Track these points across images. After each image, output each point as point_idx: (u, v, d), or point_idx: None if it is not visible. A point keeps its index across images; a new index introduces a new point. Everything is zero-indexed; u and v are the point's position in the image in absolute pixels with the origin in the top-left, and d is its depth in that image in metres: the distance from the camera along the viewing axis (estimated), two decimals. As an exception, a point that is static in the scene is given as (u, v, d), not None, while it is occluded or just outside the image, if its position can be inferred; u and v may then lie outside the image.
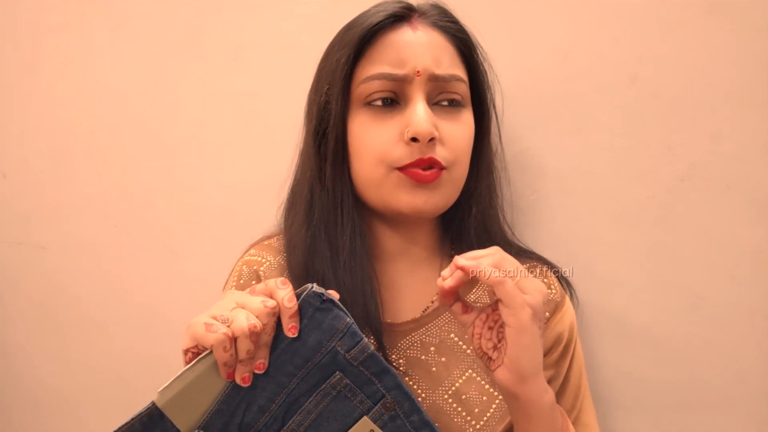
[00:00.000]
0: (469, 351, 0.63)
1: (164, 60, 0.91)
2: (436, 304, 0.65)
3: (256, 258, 0.67)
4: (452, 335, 0.63)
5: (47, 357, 1.08)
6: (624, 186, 0.73)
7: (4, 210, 1.06)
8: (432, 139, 0.57)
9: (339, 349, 0.49)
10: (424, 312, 0.65)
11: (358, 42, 0.59)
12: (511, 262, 0.51)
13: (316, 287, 0.49)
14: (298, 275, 0.62)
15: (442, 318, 0.64)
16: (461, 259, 0.51)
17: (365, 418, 0.51)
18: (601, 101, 0.72)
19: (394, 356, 0.62)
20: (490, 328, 0.53)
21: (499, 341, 0.52)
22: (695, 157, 0.69)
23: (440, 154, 0.58)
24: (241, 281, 0.66)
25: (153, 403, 0.47)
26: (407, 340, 0.63)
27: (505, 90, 0.74)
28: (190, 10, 0.88)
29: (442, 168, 0.58)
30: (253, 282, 0.65)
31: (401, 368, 0.62)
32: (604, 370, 0.76)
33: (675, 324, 0.73)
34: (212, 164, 0.91)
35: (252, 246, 0.70)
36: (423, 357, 0.62)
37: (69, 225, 1.01)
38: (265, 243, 0.69)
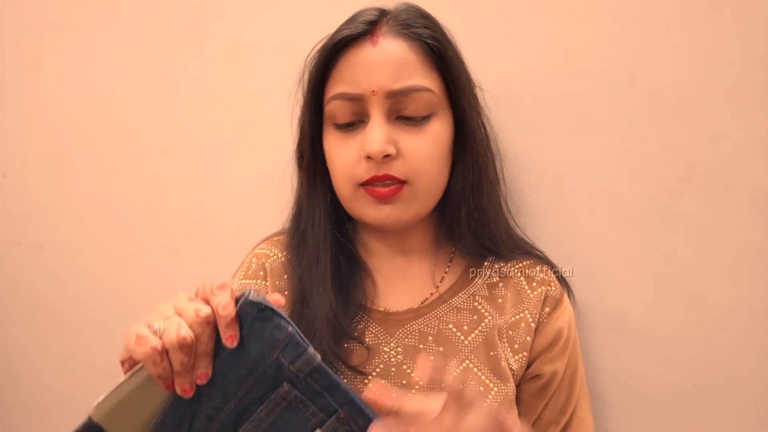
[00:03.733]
0: (466, 342, 0.64)
1: (164, 60, 0.91)
2: (435, 296, 0.66)
3: (264, 251, 0.71)
4: (450, 326, 0.64)
5: (47, 357, 1.08)
6: (624, 186, 0.72)
7: (4, 210, 1.06)
8: (388, 156, 0.58)
9: (283, 360, 0.46)
10: (422, 303, 0.66)
11: (323, 63, 0.60)
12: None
13: (253, 294, 0.45)
14: (289, 273, 0.66)
15: (440, 309, 0.65)
16: None
17: (318, 431, 0.48)
18: (601, 101, 0.72)
19: (393, 343, 0.63)
20: None
21: None
22: (695, 157, 0.69)
23: (398, 169, 0.59)
24: (249, 272, 0.69)
25: (89, 418, 0.44)
26: (405, 329, 0.64)
27: (504, 90, 0.74)
28: (190, 10, 0.88)
29: (400, 182, 0.59)
30: (261, 273, 0.69)
31: (399, 356, 0.62)
32: (604, 369, 0.76)
33: (675, 324, 0.73)
34: (212, 164, 0.91)
35: (263, 240, 0.73)
36: (420, 346, 0.63)
37: (69, 225, 1.01)
38: (275, 239, 0.73)
